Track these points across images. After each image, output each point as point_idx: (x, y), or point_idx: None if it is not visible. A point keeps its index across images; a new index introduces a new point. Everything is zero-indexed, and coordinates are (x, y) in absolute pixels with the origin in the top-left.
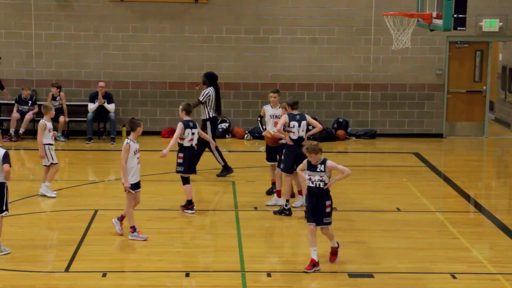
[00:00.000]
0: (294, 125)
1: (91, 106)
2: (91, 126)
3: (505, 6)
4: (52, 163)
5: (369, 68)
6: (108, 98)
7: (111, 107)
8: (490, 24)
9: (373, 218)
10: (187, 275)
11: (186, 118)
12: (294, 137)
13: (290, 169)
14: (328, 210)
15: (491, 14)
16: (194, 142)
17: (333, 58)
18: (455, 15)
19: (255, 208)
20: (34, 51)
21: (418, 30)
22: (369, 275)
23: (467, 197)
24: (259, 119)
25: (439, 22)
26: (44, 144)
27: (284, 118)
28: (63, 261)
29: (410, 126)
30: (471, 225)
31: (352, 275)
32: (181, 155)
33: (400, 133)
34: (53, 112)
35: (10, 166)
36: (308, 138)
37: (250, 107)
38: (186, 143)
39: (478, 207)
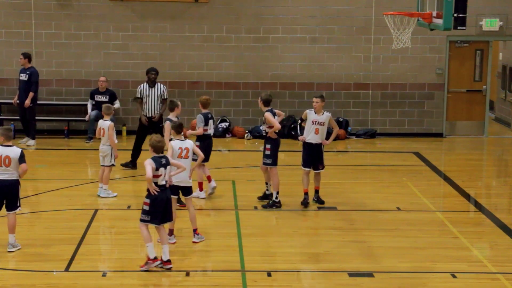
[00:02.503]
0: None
1: (92, 113)
2: (93, 125)
3: (505, 5)
4: (112, 164)
5: (369, 68)
6: (111, 96)
7: (116, 105)
8: (490, 24)
9: (373, 218)
10: (187, 274)
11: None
12: (276, 130)
13: (277, 162)
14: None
15: (491, 13)
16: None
17: (333, 57)
18: (455, 15)
19: (255, 208)
20: (34, 51)
21: (418, 30)
22: (369, 275)
23: (467, 196)
24: (299, 121)
25: (439, 21)
26: (110, 145)
27: (269, 115)
28: (63, 261)
29: (410, 125)
30: (471, 225)
31: (352, 274)
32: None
33: (400, 133)
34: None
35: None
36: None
37: (250, 107)
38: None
39: (478, 206)
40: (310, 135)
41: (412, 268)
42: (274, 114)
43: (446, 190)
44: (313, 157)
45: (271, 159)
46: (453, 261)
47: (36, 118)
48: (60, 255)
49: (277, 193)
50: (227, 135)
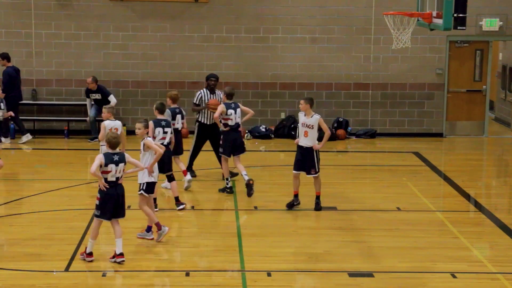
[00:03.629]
0: (231, 113)
1: (91, 114)
2: (95, 125)
3: (505, 5)
4: None
5: (369, 68)
6: (102, 91)
7: (111, 99)
8: (490, 24)
9: (373, 218)
10: (187, 274)
11: (160, 116)
12: (232, 123)
13: (229, 153)
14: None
15: (491, 13)
16: (167, 141)
17: (333, 57)
18: (455, 15)
19: (255, 208)
20: (34, 51)
21: (418, 30)
22: (369, 275)
23: (467, 196)
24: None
25: (439, 21)
26: None
27: (221, 107)
28: (63, 261)
29: (410, 125)
30: (471, 225)
31: (352, 274)
32: None
33: (400, 133)
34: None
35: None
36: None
37: (250, 107)
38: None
39: (478, 206)
40: (301, 138)
41: (412, 268)
42: (234, 108)
43: (446, 190)
44: (303, 160)
45: (222, 148)
46: (453, 261)
47: (36, 118)
48: (60, 255)
49: (227, 179)
50: None
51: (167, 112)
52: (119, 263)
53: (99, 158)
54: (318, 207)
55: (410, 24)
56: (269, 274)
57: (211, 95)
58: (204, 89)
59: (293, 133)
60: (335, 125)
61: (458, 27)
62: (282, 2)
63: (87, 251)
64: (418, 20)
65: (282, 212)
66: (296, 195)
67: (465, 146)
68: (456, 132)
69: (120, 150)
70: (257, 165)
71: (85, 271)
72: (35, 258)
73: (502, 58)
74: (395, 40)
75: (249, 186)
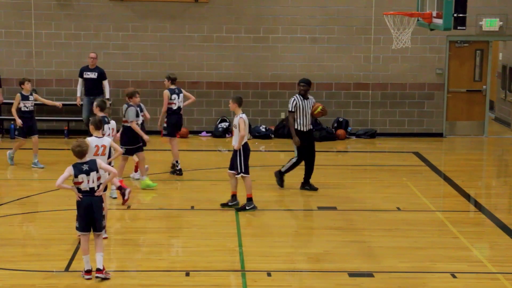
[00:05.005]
0: (174, 98)
1: (84, 115)
2: (89, 119)
3: (505, 5)
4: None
5: (369, 68)
6: (100, 74)
7: (106, 85)
8: (490, 24)
9: (373, 218)
10: (187, 274)
11: (101, 114)
12: (175, 107)
13: (173, 133)
14: None
15: (491, 13)
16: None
17: (333, 57)
18: (455, 15)
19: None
20: (34, 51)
21: (418, 30)
22: (369, 275)
23: (467, 196)
24: None
25: (439, 21)
26: None
27: (167, 93)
28: (63, 261)
29: (410, 125)
30: (471, 224)
31: (352, 274)
32: None
33: (400, 133)
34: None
35: None
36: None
37: (250, 107)
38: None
39: (478, 206)
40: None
41: (412, 268)
42: (178, 93)
43: (446, 190)
44: (232, 159)
45: (167, 131)
46: (453, 261)
47: (36, 118)
48: (60, 255)
49: (177, 162)
50: (227, 135)
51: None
52: (97, 277)
53: (68, 170)
54: (239, 207)
55: (410, 24)
56: (269, 274)
57: (305, 101)
58: (297, 95)
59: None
60: (335, 125)
61: (458, 27)
62: (282, 2)
63: (84, 269)
64: (418, 20)
65: (282, 212)
66: (233, 196)
67: (465, 146)
68: (456, 132)
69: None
70: (257, 165)
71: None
72: (35, 258)
73: (502, 58)
74: (395, 40)
75: (174, 169)
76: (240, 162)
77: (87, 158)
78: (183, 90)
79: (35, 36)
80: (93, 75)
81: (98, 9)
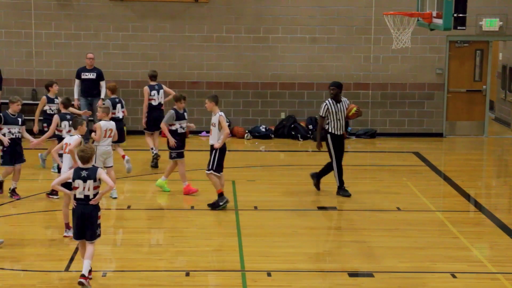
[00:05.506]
0: (154, 94)
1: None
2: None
3: (505, 5)
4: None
5: (369, 68)
6: (98, 75)
7: (102, 86)
8: (490, 24)
9: (373, 218)
10: (187, 274)
11: (64, 111)
12: (155, 103)
13: (152, 128)
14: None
15: (491, 13)
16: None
17: (333, 57)
18: (455, 15)
19: (255, 208)
20: (34, 51)
21: (418, 30)
22: (369, 275)
23: (467, 196)
24: None
25: (439, 21)
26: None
27: (146, 89)
28: (63, 261)
29: (410, 125)
30: (471, 224)
31: (352, 274)
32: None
33: (400, 133)
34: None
35: None
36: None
37: (250, 107)
38: (64, 135)
39: (478, 206)
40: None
41: (412, 268)
42: (158, 90)
43: (446, 190)
44: (208, 158)
45: (146, 125)
46: (453, 261)
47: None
48: (60, 255)
49: (152, 148)
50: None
51: (107, 102)
52: (78, 283)
53: (68, 173)
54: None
55: (410, 24)
56: (269, 274)
57: (337, 104)
58: (329, 100)
59: (293, 133)
60: None
61: (458, 27)
62: (282, 2)
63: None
64: (418, 20)
65: (282, 212)
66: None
67: (465, 146)
68: (456, 132)
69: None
70: (257, 165)
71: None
72: (36, 258)
73: (502, 58)
74: (395, 40)
75: (155, 159)
76: (214, 159)
77: (91, 164)
78: (164, 86)
79: (35, 36)
80: (91, 75)
81: (98, 9)
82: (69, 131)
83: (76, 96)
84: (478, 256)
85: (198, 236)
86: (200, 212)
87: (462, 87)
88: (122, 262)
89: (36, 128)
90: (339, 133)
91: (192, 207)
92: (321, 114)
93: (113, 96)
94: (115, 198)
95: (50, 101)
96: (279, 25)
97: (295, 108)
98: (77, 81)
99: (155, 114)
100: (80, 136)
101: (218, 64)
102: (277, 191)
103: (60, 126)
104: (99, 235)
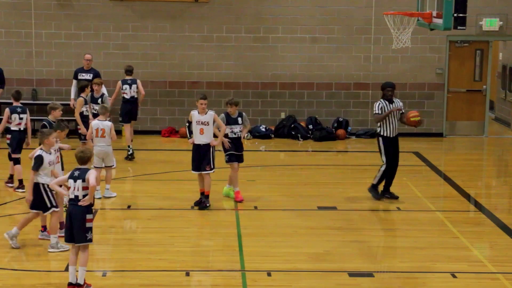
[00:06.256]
0: (126, 88)
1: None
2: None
3: (505, 5)
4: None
5: (369, 67)
6: (95, 75)
7: (106, 104)
8: (490, 23)
9: (373, 217)
10: (187, 274)
11: (16, 103)
12: (127, 96)
13: (126, 119)
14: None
15: (491, 13)
16: (22, 126)
17: (333, 57)
18: (455, 14)
19: (255, 208)
20: (34, 50)
21: (418, 29)
22: (369, 274)
23: (467, 196)
24: (187, 124)
25: (439, 21)
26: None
27: (119, 83)
28: (63, 260)
29: None
30: (471, 224)
31: (352, 274)
32: (9, 136)
33: (400, 133)
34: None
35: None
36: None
37: (250, 107)
38: (13, 127)
39: (478, 206)
40: (197, 136)
41: (412, 268)
42: (130, 84)
43: (446, 190)
44: (199, 158)
45: (121, 118)
46: (453, 261)
47: (36, 118)
48: (60, 255)
49: (129, 146)
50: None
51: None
52: None
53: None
54: (203, 205)
55: (410, 24)
56: (269, 274)
57: (390, 105)
58: (383, 100)
59: (293, 133)
60: (335, 124)
61: (458, 27)
62: (282, 2)
63: (75, 282)
64: (418, 20)
65: (282, 212)
66: (202, 193)
67: (465, 146)
68: (456, 132)
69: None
70: (257, 165)
71: (85, 271)
72: (35, 258)
73: (502, 58)
74: (395, 40)
75: (130, 154)
76: (213, 157)
77: (89, 165)
78: (138, 82)
79: (35, 36)
80: (88, 76)
81: (98, 9)
82: (19, 123)
83: (72, 96)
84: (478, 256)
85: (198, 236)
86: (200, 212)
87: (462, 87)
88: (122, 262)
89: (84, 130)
90: (391, 135)
91: (192, 207)
92: (376, 112)
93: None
94: (107, 197)
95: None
96: (279, 25)
97: (295, 108)
98: (74, 82)
99: (128, 107)
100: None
101: (218, 64)
102: (277, 191)
103: (11, 118)
104: (89, 240)
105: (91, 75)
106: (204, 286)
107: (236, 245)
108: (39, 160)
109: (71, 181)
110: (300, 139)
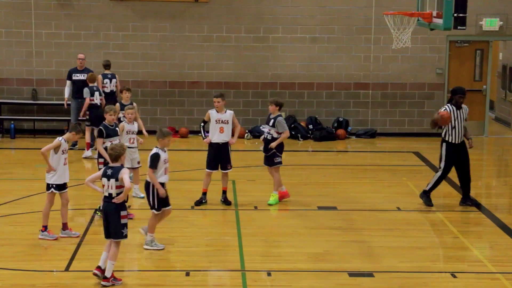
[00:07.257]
0: (106, 82)
1: (72, 119)
2: (77, 119)
3: (505, 5)
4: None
5: (369, 67)
6: (89, 72)
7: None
8: (490, 23)
9: (373, 217)
10: (187, 274)
11: None
12: (108, 90)
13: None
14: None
15: (491, 13)
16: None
17: (333, 57)
18: (455, 14)
19: (255, 207)
20: (34, 50)
21: (418, 29)
22: (370, 274)
23: None
24: (202, 124)
25: (439, 21)
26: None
27: (100, 77)
28: (63, 260)
29: (410, 125)
30: (471, 224)
31: (352, 274)
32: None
33: (400, 132)
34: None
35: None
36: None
37: (250, 107)
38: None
39: (478, 206)
40: (216, 135)
41: (412, 268)
42: (110, 79)
43: (446, 190)
44: (218, 157)
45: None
46: (453, 261)
47: (36, 118)
48: (60, 255)
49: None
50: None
51: (86, 90)
52: (102, 286)
53: (101, 170)
54: (228, 201)
55: (410, 24)
56: (269, 274)
57: (457, 111)
58: (450, 105)
59: (293, 133)
60: (335, 124)
61: (458, 27)
62: (282, 2)
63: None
64: (418, 20)
65: (282, 212)
66: (204, 192)
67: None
68: None
69: (119, 163)
70: (257, 165)
71: (85, 271)
72: (35, 258)
73: (502, 58)
74: (395, 40)
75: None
76: (230, 156)
77: (120, 163)
78: (116, 77)
79: (35, 36)
80: (82, 76)
81: (98, 9)
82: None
83: (66, 96)
84: (478, 256)
85: (198, 236)
86: (200, 212)
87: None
88: (122, 262)
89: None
90: (457, 141)
91: (192, 207)
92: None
93: (91, 85)
94: (142, 197)
95: (123, 107)
96: (279, 25)
97: (295, 108)
98: (68, 82)
99: (107, 100)
100: (61, 139)
101: (218, 64)
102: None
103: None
104: (125, 236)
105: (85, 75)
106: (204, 286)
107: (236, 245)
108: (156, 158)
109: (104, 179)
110: (300, 139)
